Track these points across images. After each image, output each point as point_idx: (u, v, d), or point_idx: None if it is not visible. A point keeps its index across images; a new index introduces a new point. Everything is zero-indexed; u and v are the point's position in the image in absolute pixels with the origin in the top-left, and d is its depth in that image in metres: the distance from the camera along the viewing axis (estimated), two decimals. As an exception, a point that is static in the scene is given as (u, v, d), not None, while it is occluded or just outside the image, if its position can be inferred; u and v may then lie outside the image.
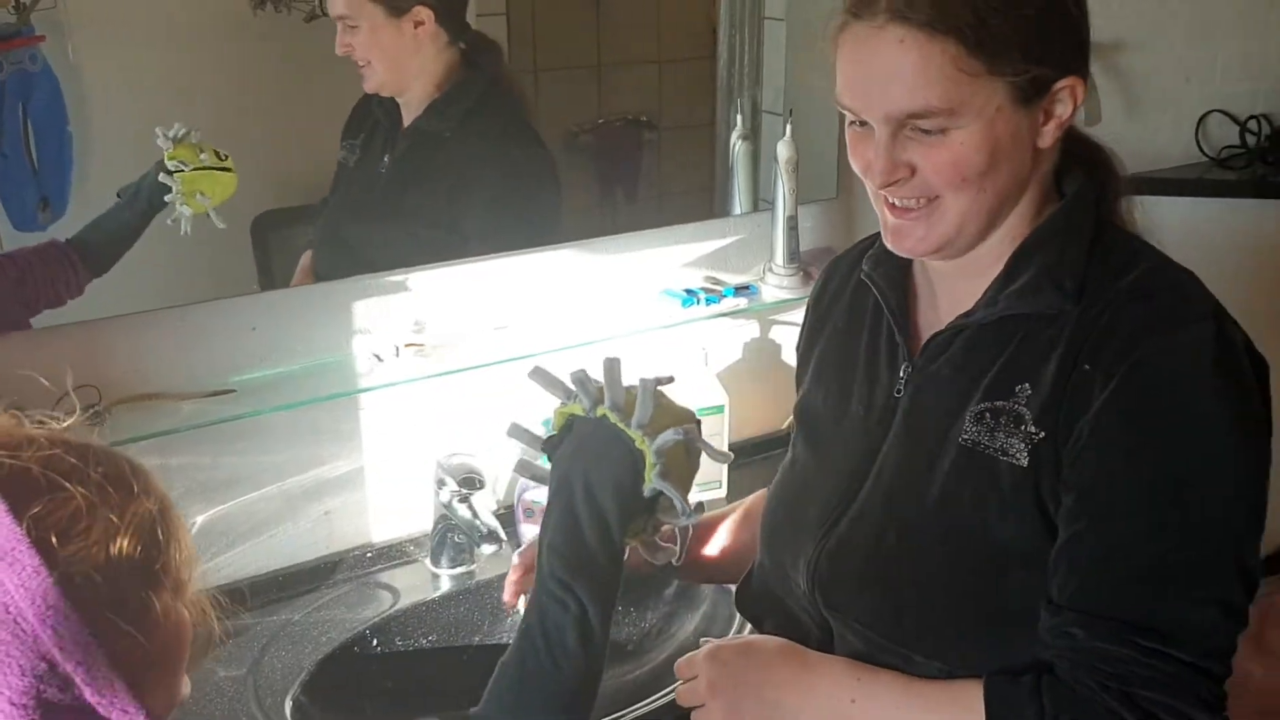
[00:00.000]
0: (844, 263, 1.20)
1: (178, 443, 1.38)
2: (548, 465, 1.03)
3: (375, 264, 1.55)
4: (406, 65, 1.53)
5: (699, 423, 1.01)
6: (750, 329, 1.83)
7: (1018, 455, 0.95)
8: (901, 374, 1.06)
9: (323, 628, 1.45)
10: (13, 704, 0.67)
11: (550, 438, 1.02)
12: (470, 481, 1.49)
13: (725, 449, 0.98)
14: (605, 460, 0.96)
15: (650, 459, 0.95)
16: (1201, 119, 2.06)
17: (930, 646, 1.00)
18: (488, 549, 1.49)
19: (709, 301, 1.69)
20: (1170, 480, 0.91)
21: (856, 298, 1.14)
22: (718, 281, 1.75)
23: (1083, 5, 0.98)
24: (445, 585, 1.54)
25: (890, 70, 0.93)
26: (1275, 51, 2.08)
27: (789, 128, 1.69)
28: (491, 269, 1.60)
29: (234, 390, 1.43)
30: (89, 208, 1.37)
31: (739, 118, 1.79)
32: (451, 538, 1.54)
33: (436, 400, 1.57)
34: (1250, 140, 2.05)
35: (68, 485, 0.71)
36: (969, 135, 0.93)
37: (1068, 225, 1.00)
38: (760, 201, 1.80)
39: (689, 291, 1.70)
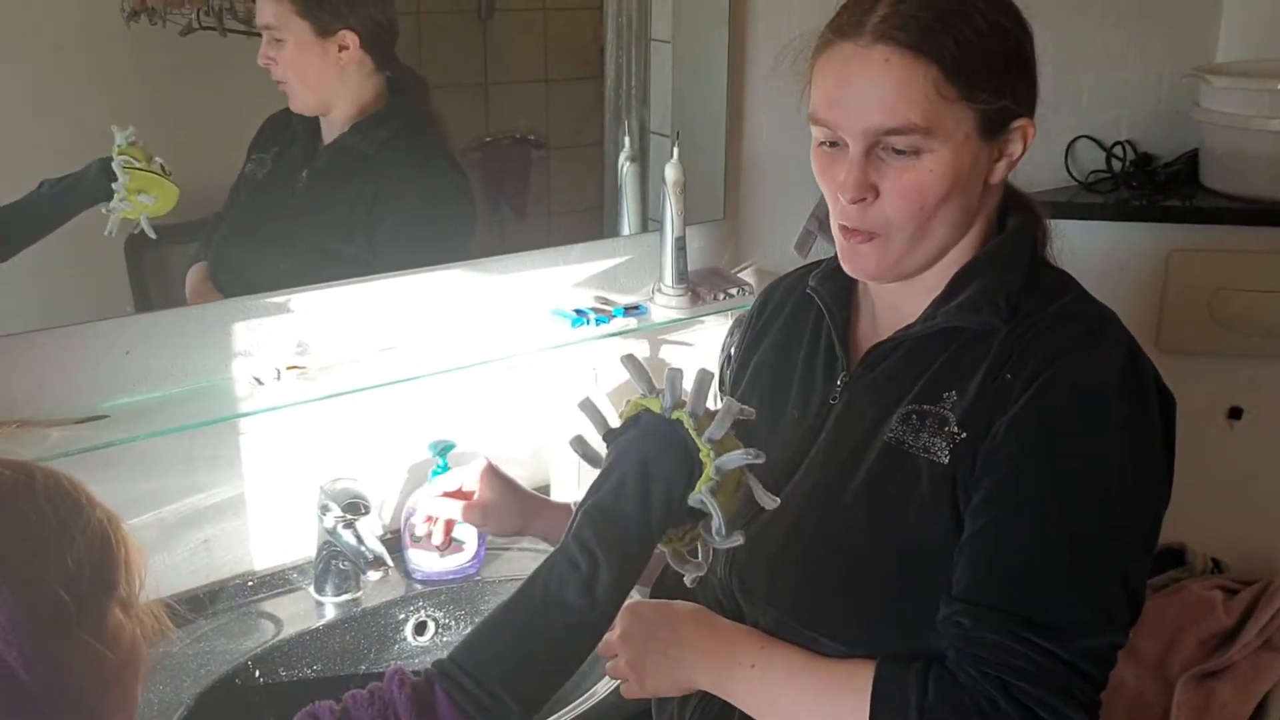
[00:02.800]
0: (783, 283, 1.27)
1: (46, 472, 1.32)
2: (601, 452, 1.03)
3: (276, 281, 1.52)
4: (328, 86, 1.52)
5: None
6: (640, 349, 1.84)
7: (939, 454, 1.00)
8: (839, 383, 1.12)
9: (202, 659, 1.41)
10: None
11: (613, 430, 1.02)
12: (355, 507, 1.47)
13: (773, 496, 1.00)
14: (668, 454, 0.97)
15: (709, 472, 0.97)
16: (1070, 144, 2.14)
17: (838, 631, 1.04)
18: (373, 575, 1.46)
19: (599, 321, 1.69)
20: (1071, 486, 0.97)
21: (796, 313, 1.21)
22: (607, 301, 1.75)
23: (1035, 54, 1.06)
24: (330, 613, 1.51)
25: (873, 87, 0.98)
26: (1138, 81, 2.18)
27: (676, 150, 1.70)
28: (377, 289, 1.58)
29: (107, 416, 1.38)
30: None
31: (627, 139, 1.80)
32: (336, 564, 1.51)
33: (320, 424, 1.54)
34: (1116, 165, 2.14)
35: (17, 502, 0.68)
36: (937, 160, 0.99)
37: (1006, 253, 1.07)
38: (649, 222, 1.81)
39: (579, 311, 1.70)
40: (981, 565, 0.97)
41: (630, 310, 1.73)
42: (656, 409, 1.01)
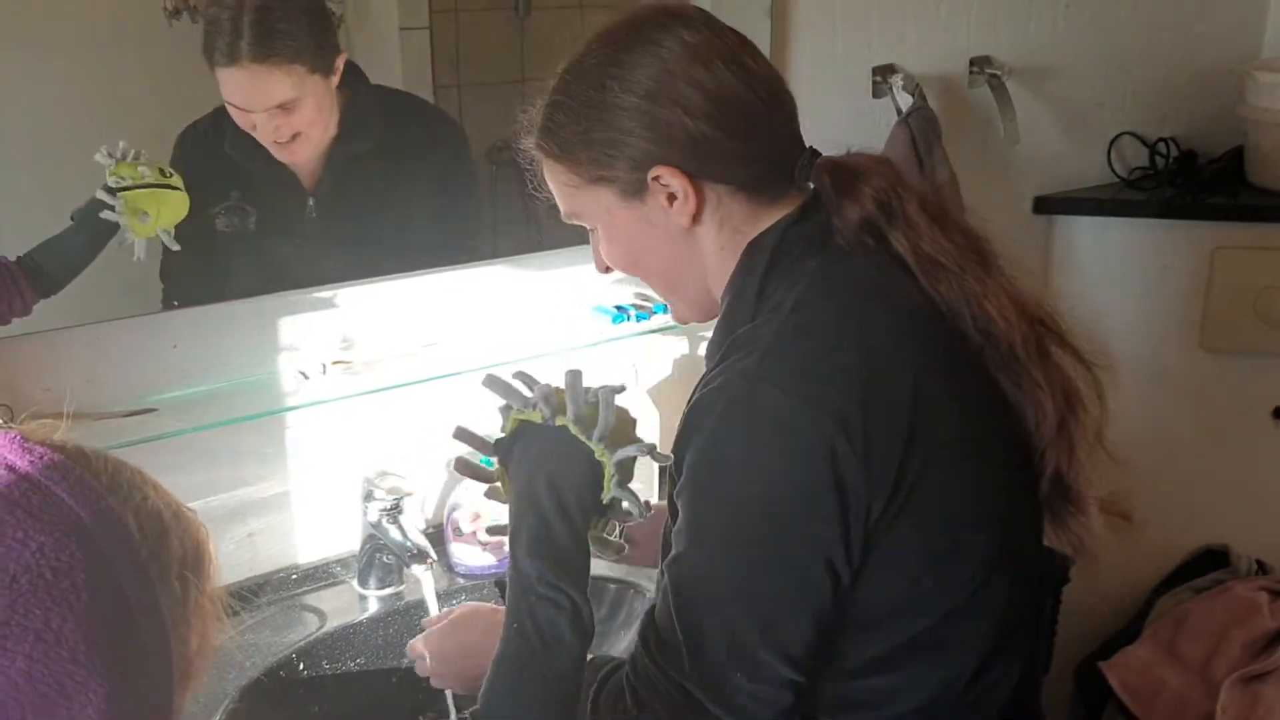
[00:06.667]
0: None
1: (95, 464, 1.33)
2: (489, 466, 1.07)
3: (320, 277, 1.52)
4: (331, 116, 1.49)
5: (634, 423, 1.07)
6: (680, 345, 1.84)
7: (663, 493, 1.07)
8: None
9: (247, 652, 1.41)
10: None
11: (499, 440, 1.05)
12: (399, 501, 1.47)
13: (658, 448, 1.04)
14: (570, 467, 0.99)
15: (610, 470, 0.99)
16: (1113, 141, 2.12)
17: None
18: (417, 569, 1.47)
19: (639, 318, 1.69)
20: (687, 504, 0.98)
21: None
22: (647, 298, 1.75)
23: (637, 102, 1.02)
24: (373, 607, 1.51)
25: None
26: (1183, 78, 2.15)
27: (717, 146, 1.70)
28: (421, 285, 1.59)
29: (154, 409, 1.39)
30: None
31: (667, 135, 1.79)
32: (379, 558, 1.51)
33: (364, 418, 1.55)
34: (1159, 162, 2.12)
35: (143, 490, 0.69)
36: (604, 234, 1.09)
37: (734, 288, 1.07)
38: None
39: (619, 308, 1.70)
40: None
41: (670, 307, 1.73)
42: (539, 420, 1.02)
